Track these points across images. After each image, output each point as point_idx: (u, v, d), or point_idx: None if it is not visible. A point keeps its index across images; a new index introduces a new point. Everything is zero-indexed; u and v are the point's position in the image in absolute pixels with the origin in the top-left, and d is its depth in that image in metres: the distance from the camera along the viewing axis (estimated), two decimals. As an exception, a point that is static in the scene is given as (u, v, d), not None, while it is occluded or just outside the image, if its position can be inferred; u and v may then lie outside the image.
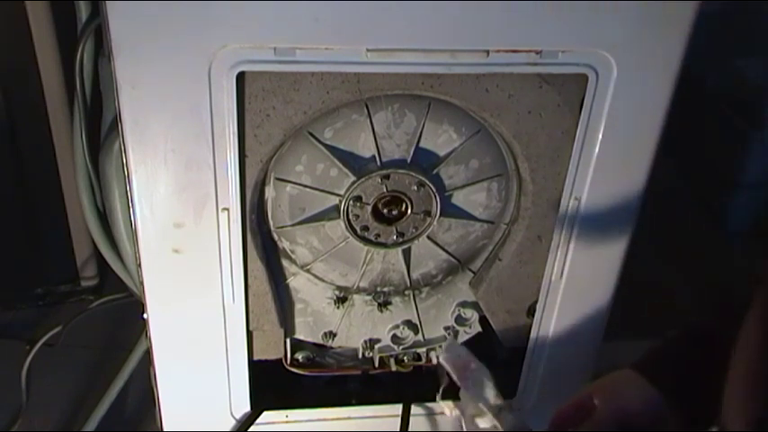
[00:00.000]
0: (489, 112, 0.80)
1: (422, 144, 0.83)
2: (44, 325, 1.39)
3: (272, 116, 0.77)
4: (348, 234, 0.86)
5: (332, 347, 0.98)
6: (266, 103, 0.76)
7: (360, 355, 0.98)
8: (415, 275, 0.93)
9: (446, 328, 0.98)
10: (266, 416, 0.97)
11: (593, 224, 0.86)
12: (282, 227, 0.87)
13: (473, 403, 0.77)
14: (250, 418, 0.95)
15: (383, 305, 0.95)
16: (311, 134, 0.81)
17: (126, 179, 0.77)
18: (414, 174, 0.83)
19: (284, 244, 0.89)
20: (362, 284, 0.93)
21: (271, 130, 0.77)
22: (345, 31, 0.71)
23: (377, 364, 0.99)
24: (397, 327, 0.96)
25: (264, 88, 0.75)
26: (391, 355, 0.99)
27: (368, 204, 0.85)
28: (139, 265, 0.82)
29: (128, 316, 1.33)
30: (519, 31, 0.73)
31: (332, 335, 0.95)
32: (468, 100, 0.79)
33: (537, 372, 0.98)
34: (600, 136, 0.81)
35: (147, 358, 0.93)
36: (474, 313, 0.97)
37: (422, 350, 1.00)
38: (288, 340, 0.95)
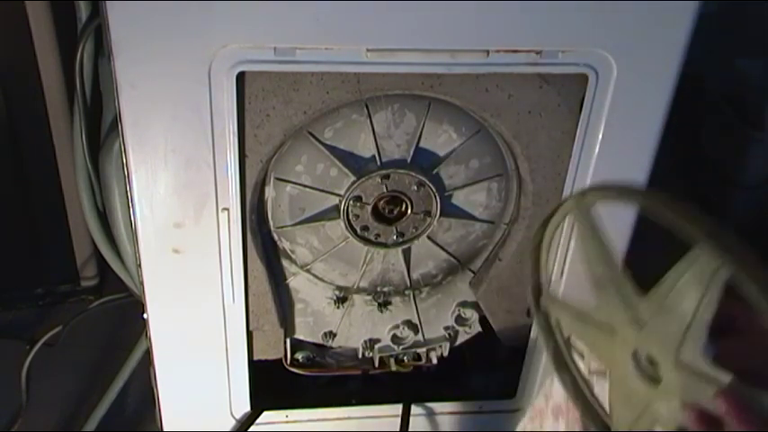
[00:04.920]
0: (489, 112, 0.80)
1: (422, 144, 0.83)
2: (44, 325, 1.38)
3: (272, 116, 0.77)
4: (348, 234, 0.86)
5: (332, 347, 0.98)
6: (266, 103, 0.76)
7: (360, 355, 0.98)
8: (415, 275, 0.93)
9: (446, 328, 0.98)
10: (266, 416, 0.97)
11: (593, 224, 0.86)
12: (282, 227, 0.87)
13: None
14: (250, 418, 0.95)
15: (383, 305, 0.95)
16: (311, 134, 0.81)
17: (126, 179, 0.77)
18: (414, 174, 0.83)
19: (284, 244, 0.89)
20: (362, 284, 0.93)
21: (271, 130, 0.77)
22: (345, 31, 0.71)
23: (377, 364, 0.99)
24: (397, 327, 0.96)
25: (264, 88, 0.75)
26: (391, 355, 0.99)
27: (368, 204, 0.85)
28: (139, 265, 0.82)
29: (128, 316, 1.33)
30: (519, 31, 0.73)
31: (332, 335, 0.95)
32: (468, 100, 0.79)
33: (537, 372, 0.98)
34: (600, 136, 0.81)
35: (147, 358, 0.93)
36: (474, 313, 0.97)
37: (422, 350, 1.00)
38: (288, 340, 0.95)
